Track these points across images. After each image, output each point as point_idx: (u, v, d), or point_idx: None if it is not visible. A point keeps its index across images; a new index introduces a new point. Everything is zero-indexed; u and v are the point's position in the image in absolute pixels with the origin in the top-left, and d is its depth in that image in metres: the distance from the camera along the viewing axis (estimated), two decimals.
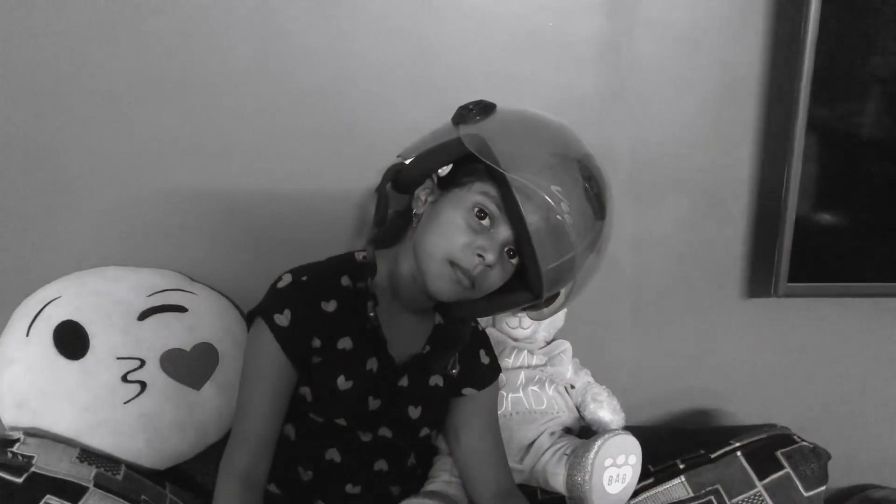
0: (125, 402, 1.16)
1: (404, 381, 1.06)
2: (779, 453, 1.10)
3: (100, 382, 1.15)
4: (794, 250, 1.26)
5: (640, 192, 1.32)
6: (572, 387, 1.28)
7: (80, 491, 1.02)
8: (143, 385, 1.17)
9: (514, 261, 0.97)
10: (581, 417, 1.27)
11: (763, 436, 1.15)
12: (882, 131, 1.24)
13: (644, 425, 1.37)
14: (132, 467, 1.14)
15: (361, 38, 1.24)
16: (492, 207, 0.94)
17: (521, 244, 0.94)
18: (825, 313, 1.39)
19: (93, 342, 1.16)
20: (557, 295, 1.01)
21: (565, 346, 1.29)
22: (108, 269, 1.29)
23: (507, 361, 1.24)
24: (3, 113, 1.23)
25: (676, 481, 1.13)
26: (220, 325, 1.28)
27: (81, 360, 1.16)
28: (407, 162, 1.01)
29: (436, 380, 1.09)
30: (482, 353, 1.14)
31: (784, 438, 1.13)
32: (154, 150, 1.26)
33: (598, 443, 1.07)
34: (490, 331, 1.24)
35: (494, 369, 1.15)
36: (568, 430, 1.24)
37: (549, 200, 0.89)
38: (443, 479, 1.13)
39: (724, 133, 1.31)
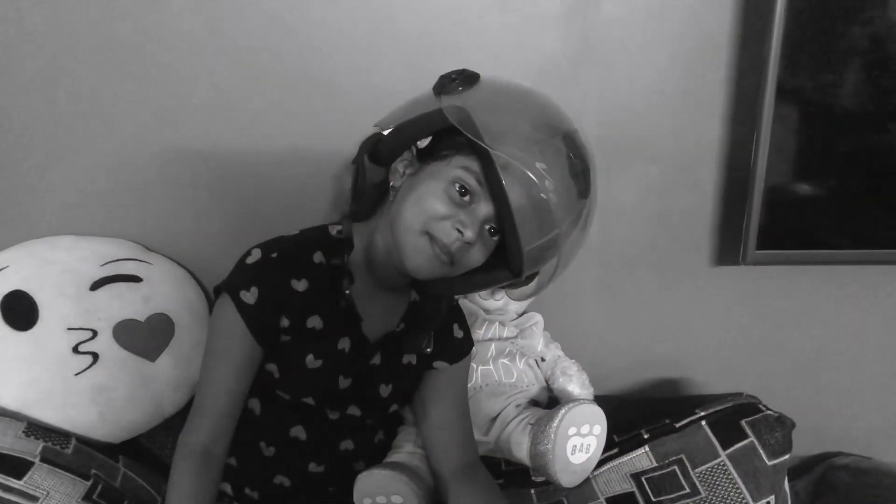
0: (76, 374, 1.13)
1: (377, 360, 1.04)
2: (743, 422, 1.09)
3: (49, 353, 1.12)
4: (763, 218, 1.24)
5: (608, 158, 1.29)
6: (543, 359, 1.26)
7: (24, 465, 1.00)
8: (95, 356, 1.14)
9: (496, 238, 0.93)
10: (549, 391, 1.25)
11: (728, 405, 1.14)
12: (853, 102, 1.21)
13: (611, 395, 1.36)
14: (84, 441, 1.12)
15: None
16: (472, 183, 0.90)
17: (502, 222, 0.91)
18: (792, 281, 1.38)
19: (42, 313, 1.13)
20: (537, 273, 0.98)
21: (537, 318, 1.27)
22: (61, 238, 1.25)
23: (477, 333, 1.21)
24: None
25: (640, 451, 1.12)
26: (177, 295, 1.24)
27: (30, 331, 1.13)
28: (385, 133, 0.96)
29: (409, 357, 1.07)
30: (455, 326, 1.12)
31: (749, 407, 1.12)
32: (110, 115, 1.22)
33: (562, 412, 1.06)
34: (462, 302, 1.21)
35: (467, 343, 1.13)
36: (535, 403, 1.22)
37: (533, 178, 0.86)
38: (406, 449, 1.11)
39: (692, 99, 1.28)
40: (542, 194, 0.86)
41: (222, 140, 1.24)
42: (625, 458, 1.12)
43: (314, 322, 0.99)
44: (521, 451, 1.12)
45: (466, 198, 0.91)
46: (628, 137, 1.29)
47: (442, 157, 0.93)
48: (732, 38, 1.25)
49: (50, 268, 1.17)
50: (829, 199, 1.26)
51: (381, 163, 0.98)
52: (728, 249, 1.35)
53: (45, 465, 1.02)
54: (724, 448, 1.08)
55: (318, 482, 1.06)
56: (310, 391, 1.01)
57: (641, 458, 1.12)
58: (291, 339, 0.98)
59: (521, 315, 1.27)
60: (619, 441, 1.15)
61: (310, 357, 0.99)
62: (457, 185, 0.91)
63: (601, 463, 1.12)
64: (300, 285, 0.97)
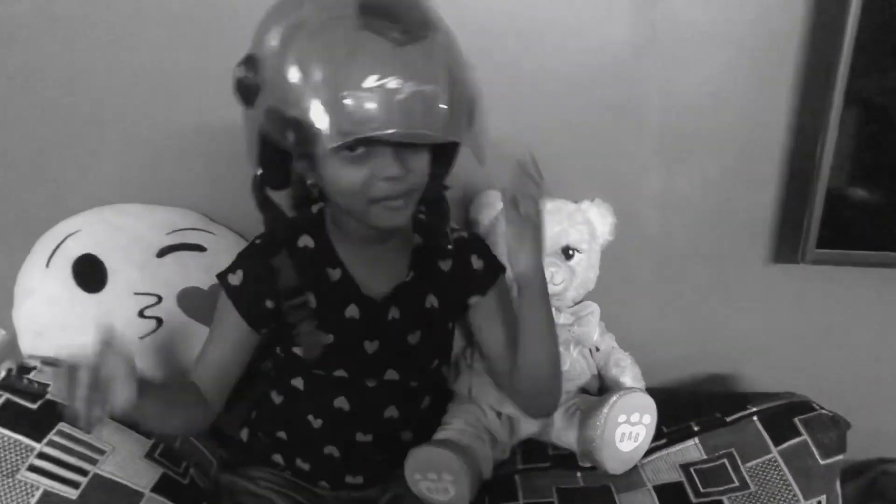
0: (141, 337, 1.17)
1: (395, 314, 1.05)
2: (796, 420, 1.08)
3: (117, 316, 1.16)
4: (824, 216, 1.22)
5: (669, 149, 1.29)
6: (597, 349, 1.26)
7: None
8: (159, 321, 1.18)
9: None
10: (601, 381, 1.25)
11: (781, 402, 1.13)
12: None
13: (660, 387, 1.35)
14: None
15: None
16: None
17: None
18: (851, 282, 1.35)
19: (111, 276, 1.17)
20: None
21: (593, 307, 1.27)
22: (129, 205, 1.29)
23: None
24: (24, 48, 1.22)
25: (690, 443, 1.12)
26: None
27: (99, 294, 1.17)
28: (259, 173, 0.93)
29: (430, 301, 1.07)
30: (473, 258, 1.09)
31: (802, 405, 1.11)
32: (179, 86, 1.25)
33: (613, 399, 1.06)
34: None
35: (491, 269, 1.10)
36: (585, 391, 1.23)
37: (378, 97, 0.79)
38: (456, 426, 1.12)
39: (758, 95, 1.27)
40: (399, 95, 0.80)
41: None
42: (674, 449, 1.12)
43: (310, 299, 1.02)
44: (570, 436, 1.13)
45: (360, 149, 0.86)
46: (690, 130, 1.28)
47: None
48: (803, 36, 1.23)
49: (119, 234, 1.21)
50: (892, 202, 1.24)
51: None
52: (786, 247, 1.33)
53: (113, 422, 1.06)
54: (776, 444, 1.07)
55: (366, 451, 1.08)
56: (337, 364, 1.04)
57: (691, 449, 1.11)
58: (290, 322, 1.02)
59: (577, 303, 1.28)
60: (668, 432, 1.14)
61: (325, 335, 1.03)
62: (344, 152, 0.86)
63: (649, 452, 1.12)
64: (284, 266, 1.01)
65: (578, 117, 1.28)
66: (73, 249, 1.18)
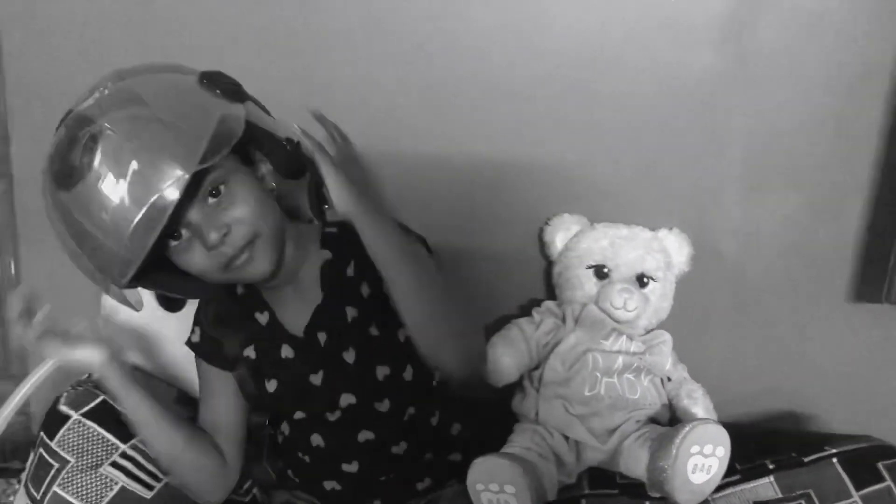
0: None
1: (322, 338, 1.04)
2: (880, 465, 1.04)
3: None
4: None
5: (750, 181, 1.27)
6: (669, 379, 1.24)
7: None
8: None
9: (223, 190, 0.90)
10: (671, 412, 1.23)
11: (862, 445, 1.09)
12: None
13: (731, 422, 1.32)
14: None
15: (473, 8, 1.25)
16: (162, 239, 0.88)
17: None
18: None
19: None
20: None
21: (665, 336, 1.25)
22: None
23: (604, 344, 1.20)
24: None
25: (765, 480, 1.09)
26: None
27: (180, 313, 1.19)
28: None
29: (350, 313, 1.04)
30: (350, 266, 1.05)
31: (886, 450, 1.07)
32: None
33: (687, 429, 1.04)
34: (590, 309, 1.22)
35: (360, 274, 1.05)
36: (654, 422, 1.20)
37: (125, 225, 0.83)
38: (522, 444, 1.12)
39: (846, 130, 1.24)
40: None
41: (370, 138, 1.29)
42: (747, 486, 1.09)
43: (248, 352, 1.05)
44: (640, 465, 1.11)
45: (182, 234, 0.89)
46: (773, 162, 1.26)
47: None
48: (895, 69, 1.20)
49: None
50: None
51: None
52: (870, 287, 1.29)
53: None
54: (858, 489, 1.03)
55: (363, 480, 1.08)
56: (291, 406, 1.07)
57: (766, 487, 1.08)
58: (246, 372, 1.06)
59: (649, 332, 1.26)
60: (741, 468, 1.11)
61: (265, 381, 1.05)
62: (171, 244, 0.90)
63: (721, 487, 1.09)
64: (229, 318, 1.06)
65: (657, 144, 1.28)
66: None
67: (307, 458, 1.09)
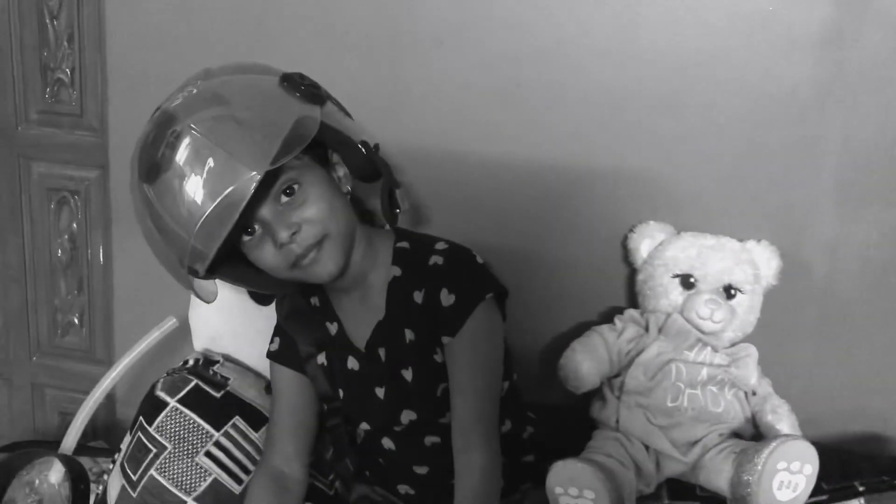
0: None
1: (383, 354, 1.05)
2: None
3: None
4: None
5: (844, 195, 1.24)
6: (754, 393, 1.22)
7: (261, 420, 1.12)
8: None
9: (296, 188, 0.92)
10: (755, 427, 1.21)
11: None
12: None
13: (813, 440, 1.29)
14: None
15: (563, 4, 1.25)
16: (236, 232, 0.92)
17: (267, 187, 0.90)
18: None
19: None
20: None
21: (751, 350, 1.23)
22: None
23: (687, 354, 1.20)
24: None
25: (854, 503, 1.06)
26: None
27: (270, 307, 1.22)
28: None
29: (408, 335, 1.04)
30: (444, 292, 1.00)
31: None
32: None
33: (774, 444, 1.03)
34: (675, 318, 1.21)
35: (463, 305, 1.00)
36: (737, 436, 1.19)
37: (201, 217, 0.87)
38: (604, 450, 1.12)
39: None
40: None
41: (457, 143, 1.31)
42: None
43: (322, 359, 1.08)
44: (721, 478, 1.10)
45: (255, 230, 0.92)
46: (870, 177, 1.23)
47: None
48: None
49: None
50: None
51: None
52: None
53: None
54: None
55: (434, 483, 1.08)
56: (357, 417, 1.09)
57: None
58: (324, 376, 1.08)
59: (734, 345, 1.24)
60: (829, 489, 1.09)
61: (339, 390, 1.07)
62: (245, 240, 0.93)
63: None
64: (302, 330, 1.08)
65: (747, 153, 1.26)
66: None
67: (381, 461, 1.11)
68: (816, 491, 1.08)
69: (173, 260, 0.93)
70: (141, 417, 1.09)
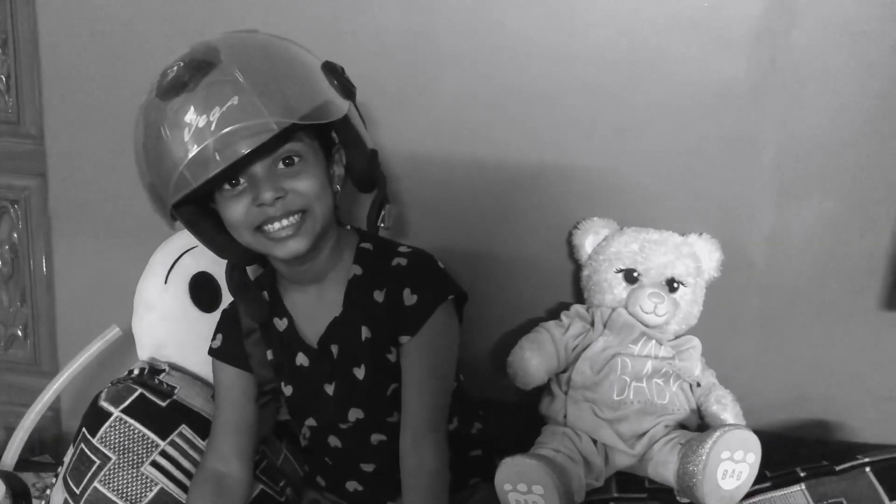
0: None
1: (335, 351, 1.05)
2: None
3: None
4: None
5: (782, 187, 1.27)
6: (698, 384, 1.24)
7: (209, 428, 1.09)
8: None
9: (296, 160, 0.93)
10: (700, 418, 1.23)
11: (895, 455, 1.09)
12: None
13: (759, 429, 1.31)
14: None
15: (504, 6, 1.25)
16: (225, 179, 0.92)
17: (266, 147, 0.89)
18: None
19: (225, 296, 1.21)
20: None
21: (695, 342, 1.25)
22: None
23: (632, 348, 1.21)
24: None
25: (796, 488, 1.08)
26: None
27: (214, 314, 1.21)
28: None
29: (364, 333, 1.04)
30: (406, 292, 1.02)
31: None
32: None
33: (717, 434, 1.04)
34: (620, 312, 1.22)
35: (424, 306, 1.01)
36: (683, 427, 1.21)
37: (202, 141, 0.86)
38: (551, 446, 1.13)
39: (881, 135, 1.23)
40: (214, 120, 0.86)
41: (402, 142, 1.31)
42: (777, 493, 1.08)
43: (269, 354, 1.07)
44: (668, 469, 1.11)
45: (240, 183, 0.92)
46: (806, 169, 1.26)
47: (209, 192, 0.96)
48: None
49: None
50: None
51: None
52: None
53: None
54: (892, 499, 1.02)
55: (382, 478, 1.08)
56: (304, 412, 1.08)
57: (797, 495, 1.08)
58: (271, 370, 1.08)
59: (678, 337, 1.26)
60: (772, 476, 1.11)
61: (283, 385, 1.07)
62: (226, 188, 0.93)
63: (751, 494, 1.09)
64: (249, 325, 1.07)
65: (689, 149, 1.28)
66: (190, 267, 1.24)
67: (328, 460, 1.11)
68: (760, 478, 1.10)
69: (151, 185, 0.93)
70: (84, 429, 1.07)
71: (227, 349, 1.09)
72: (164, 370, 1.17)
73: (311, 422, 1.08)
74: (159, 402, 1.09)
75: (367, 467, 1.08)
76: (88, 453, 1.05)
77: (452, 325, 1.05)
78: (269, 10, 1.30)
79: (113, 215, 1.43)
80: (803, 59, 1.22)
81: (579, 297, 1.33)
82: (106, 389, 1.10)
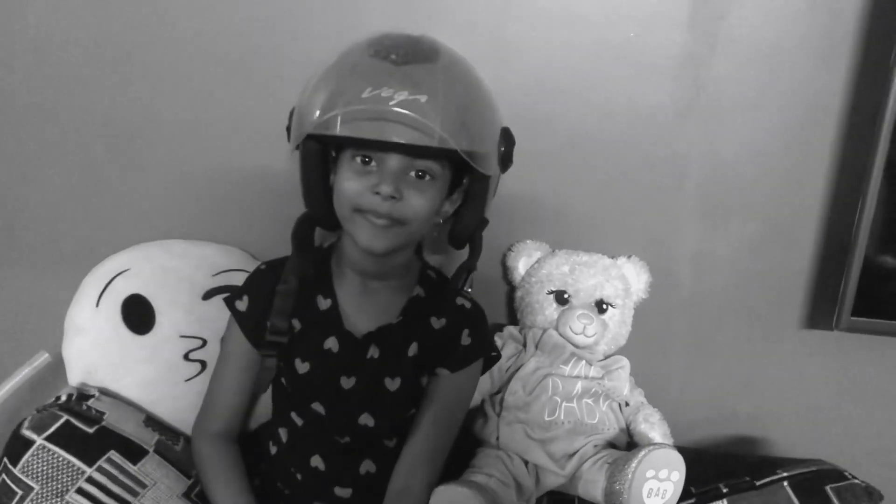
0: (186, 380, 1.20)
1: (374, 353, 1.07)
2: (828, 488, 1.07)
3: (163, 359, 1.20)
4: (861, 285, 1.23)
5: (707, 210, 1.31)
6: (627, 404, 1.27)
7: (140, 452, 1.08)
8: (203, 364, 1.21)
9: (428, 178, 0.98)
10: (629, 437, 1.26)
11: (812, 469, 1.12)
12: None
13: (687, 446, 1.35)
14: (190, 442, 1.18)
15: (435, 33, 1.25)
16: (365, 151, 0.96)
17: (411, 155, 0.95)
18: (886, 352, 1.35)
19: (158, 318, 1.21)
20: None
21: (624, 362, 1.28)
22: (174, 242, 1.32)
23: (563, 369, 1.23)
24: (79, 88, 1.29)
25: None
26: None
27: (147, 336, 1.20)
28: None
29: (412, 349, 1.08)
30: (465, 333, 1.10)
31: (834, 473, 1.10)
32: (222, 127, 1.30)
33: (642, 453, 1.07)
34: (550, 333, 1.24)
35: (475, 351, 1.11)
36: (613, 446, 1.23)
37: (371, 105, 0.89)
38: (485, 471, 1.14)
39: (798, 159, 1.29)
40: (394, 107, 0.89)
41: None
42: None
43: (294, 324, 1.07)
44: (597, 489, 1.13)
45: (371, 164, 0.96)
46: (729, 192, 1.31)
47: (342, 149, 1.00)
48: (844, 104, 1.25)
49: (166, 274, 1.24)
50: None
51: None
52: (821, 314, 1.34)
53: (158, 456, 1.11)
54: None
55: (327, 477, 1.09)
56: (313, 395, 1.07)
57: None
58: (284, 344, 1.07)
59: (607, 357, 1.29)
60: (696, 492, 1.14)
61: (297, 361, 1.07)
62: (357, 160, 0.97)
63: None
64: (284, 290, 1.07)
65: (616, 175, 1.31)
66: (123, 290, 1.21)
67: (299, 476, 1.10)
68: (685, 495, 1.12)
69: (306, 108, 0.95)
70: (5, 458, 1.04)
71: (250, 316, 1.09)
72: (93, 395, 1.15)
73: (317, 406, 1.07)
74: (86, 429, 1.06)
75: (343, 492, 1.09)
76: (10, 484, 1.02)
77: (479, 378, 1.15)
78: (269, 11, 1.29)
79: (39, 241, 1.40)
80: (725, 87, 1.26)
81: (513, 318, 1.35)
82: (30, 417, 1.07)
